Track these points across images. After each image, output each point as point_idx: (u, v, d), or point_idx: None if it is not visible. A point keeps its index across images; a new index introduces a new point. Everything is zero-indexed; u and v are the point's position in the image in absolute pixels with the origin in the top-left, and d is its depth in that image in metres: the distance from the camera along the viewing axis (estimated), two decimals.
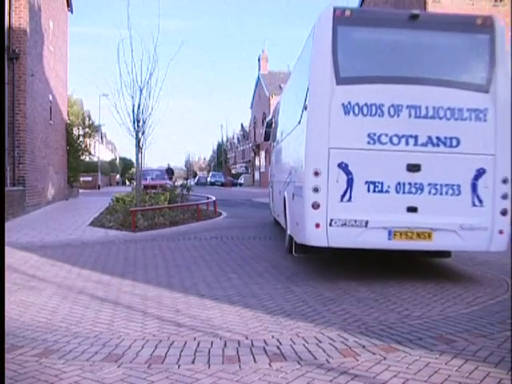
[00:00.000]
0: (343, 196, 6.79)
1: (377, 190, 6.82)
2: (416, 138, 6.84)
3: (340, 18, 7.04)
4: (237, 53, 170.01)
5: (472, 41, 7.38)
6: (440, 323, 4.92)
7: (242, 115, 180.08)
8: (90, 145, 33.93)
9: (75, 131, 27.24)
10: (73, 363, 3.89)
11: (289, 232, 8.73)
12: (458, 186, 6.85)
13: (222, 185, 57.25)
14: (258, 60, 55.11)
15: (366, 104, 6.85)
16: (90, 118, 33.58)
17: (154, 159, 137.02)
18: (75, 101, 33.12)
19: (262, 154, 53.77)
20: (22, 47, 15.34)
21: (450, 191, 6.86)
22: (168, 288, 6.48)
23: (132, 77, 14.45)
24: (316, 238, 6.82)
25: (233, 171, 76.89)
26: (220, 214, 17.28)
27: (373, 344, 4.31)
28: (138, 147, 14.82)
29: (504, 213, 6.82)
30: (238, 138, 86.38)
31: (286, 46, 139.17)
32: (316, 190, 6.78)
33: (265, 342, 4.36)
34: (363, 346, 4.26)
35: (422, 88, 6.94)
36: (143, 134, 14.73)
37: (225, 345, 4.29)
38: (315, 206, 6.77)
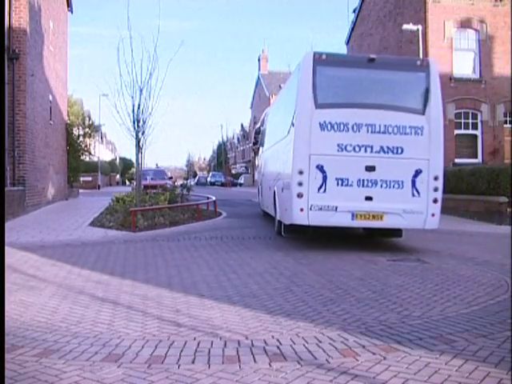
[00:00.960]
0: (319, 188, 9.42)
1: (343, 184, 9.44)
2: (372, 147, 9.45)
3: (318, 60, 9.70)
4: (237, 53, 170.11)
5: (413, 77, 10.14)
6: (440, 323, 4.92)
7: (241, 115, 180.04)
8: (89, 145, 33.87)
9: (75, 131, 27.23)
10: (73, 363, 3.89)
11: (278, 218, 11.49)
12: (402, 181, 9.47)
13: (222, 185, 57.28)
14: (258, 60, 55.15)
15: (336, 122, 9.49)
16: (89, 118, 33.57)
17: (154, 159, 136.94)
18: (75, 101, 33.12)
19: None
20: (22, 47, 15.34)
21: (396, 185, 9.48)
22: (168, 288, 6.48)
23: (132, 77, 14.48)
24: (300, 218, 9.49)
25: (233, 171, 76.92)
26: (220, 213, 17.29)
27: (373, 344, 4.31)
28: (138, 147, 14.82)
29: (435, 201, 9.57)
30: (238, 138, 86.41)
31: (286, 46, 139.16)
32: (300, 184, 9.41)
33: (265, 342, 4.36)
34: (363, 346, 4.26)
35: (377, 111, 9.59)
36: (143, 134, 14.74)
37: (225, 345, 4.29)
38: (300, 195, 9.42)
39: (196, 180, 65.63)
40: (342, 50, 30.76)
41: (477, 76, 20.08)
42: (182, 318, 5.12)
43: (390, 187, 9.50)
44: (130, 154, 65.72)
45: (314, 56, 9.73)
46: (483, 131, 19.97)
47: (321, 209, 9.41)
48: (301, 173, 9.43)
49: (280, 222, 11.20)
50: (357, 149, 9.47)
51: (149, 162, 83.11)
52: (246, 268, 7.84)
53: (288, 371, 3.73)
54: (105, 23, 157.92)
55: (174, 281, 6.94)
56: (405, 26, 19.64)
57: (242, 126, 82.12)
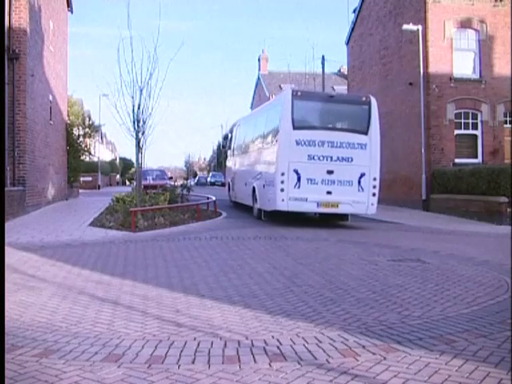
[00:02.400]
0: (295, 185, 13.40)
1: (312, 182, 13.42)
2: (331, 157, 13.55)
3: (295, 95, 13.78)
4: (237, 53, 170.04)
5: (359, 109, 14.16)
6: (440, 323, 4.92)
7: (242, 115, 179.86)
8: (90, 145, 33.85)
9: (75, 131, 27.20)
10: (73, 363, 3.89)
11: (258, 206, 15.55)
12: (352, 181, 13.58)
13: (222, 185, 57.11)
14: (258, 60, 55.10)
15: (307, 140, 13.48)
16: (90, 118, 33.52)
17: (154, 159, 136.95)
18: (75, 101, 33.09)
19: None
20: (22, 47, 15.33)
21: (348, 184, 13.56)
22: (168, 288, 6.48)
23: (132, 77, 14.50)
24: (282, 206, 13.57)
25: None
26: (220, 214, 17.29)
27: (373, 344, 4.31)
28: (138, 147, 14.82)
29: (374, 195, 13.75)
30: None
31: (286, 47, 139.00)
32: (282, 182, 13.41)
33: (265, 342, 4.36)
34: (363, 346, 4.26)
35: (335, 132, 13.96)
36: (143, 134, 14.75)
37: (225, 345, 4.29)
38: (282, 190, 13.41)
39: (196, 180, 65.56)
40: (342, 50, 30.79)
41: (477, 76, 20.07)
42: (182, 318, 5.12)
43: (343, 185, 13.62)
44: (130, 154, 65.69)
45: (292, 92, 14.01)
46: (483, 131, 19.96)
47: (296, 199, 13.51)
48: (283, 174, 13.50)
49: (260, 210, 15.47)
50: (321, 158, 13.60)
51: (149, 162, 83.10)
52: (246, 268, 7.84)
53: (288, 371, 3.73)
54: (105, 23, 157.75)
55: (174, 281, 6.94)
56: (405, 26, 19.64)
57: None
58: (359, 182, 13.62)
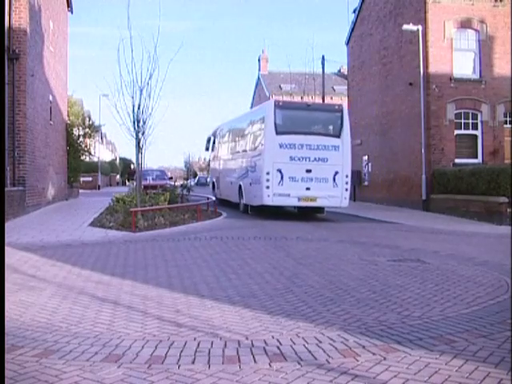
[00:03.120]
0: (279, 183, 15.48)
1: (293, 180, 15.46)
2: (309, 158, 15.61)
3: (277, 105, 16.05)
4: (237, 53, 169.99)
5: (333, 116, 16.44)
6: (440, 323, 4.92)
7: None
8: (90, 145, 33.83)
9: (75, 131, 27.20)
10: (73, 363, 3.89)
11: (244, 202, 17.87)
12: (327, 178, 15.65)
13: None
14: (258, 60, 55.05)
15: (288, 143, 15.58)
16: (90, 119, 33.50)
17: (154, 159, 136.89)
18: (75, 101, 33.07)
19: None
20: (22, 47, 15.32)
21: (324, 181, 15.62)
22: (168, 288, 6.48)
23: (132, 77, 14.49)
24: (268, 201, 15.65)
25: None
26: (220, 214, 17.29)
27: (373, 344, 4.31)
28: (138, 147, 14.82)
29: (346, 190, 15.90)
30: None
31: (285, 47, 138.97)
32: (267, 180, 15.48)
33: (265, 343, 4.36)
34: (363, 347, 4.26)
35: (312, 136, 15.84)
36: (143, 134, 14.74)
37: (225, 345, 4.29)
38: (267, 187, 15.48)
39: (196, 180, 65.53)
40: (343, 50, 30.78)
41: (477, 76, 20.06)
42: (182, 318, 5.12)
43: (320, 182, 15.75)
44: (130, 155, 65.61)
45: (274, 103, 16.47)
46: (483, 131, 19.95)
47: (280, 195, 15.66)
48: (268, 173, 15.67)
49: (246, 205, 17.75)
50: (301, 159, 15.71)
51: (149, 162, 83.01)
52: (246, 268, 7.84)
53: (288, 371, 3.73)
54: (105, 23, 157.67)
55: (174, 281, 6.94)
56: (405, 27, 19.64)
57: None
58: (334, 179, 15.86)
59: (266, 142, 15.99)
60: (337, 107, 17.06)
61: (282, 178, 15.57)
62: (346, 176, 15.97)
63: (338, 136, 16.13)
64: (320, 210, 17.44)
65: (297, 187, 15.58)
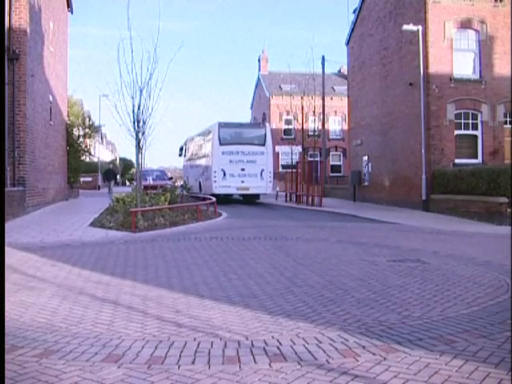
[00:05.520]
0: (222, 178, 23.68)
1: (232, 176, 23.72)
2: (243, 161, 23.91)
3: (220, 125, 24.44)
4: (237, 53, 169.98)
5: (259, 131, 25.29)
6: (440, 324, 4.92)
7: (242, 116, 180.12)
8: (90, 145, 33.86)
9: (75, 132, 27.22)
10: (73, 364, 3.89)
11: (203, 193, 24.79)
12: (256, 174, 23.95)
13: None
14: (258, 60, 54.98)
15: (228, 151, 23.80)
16: (90, 119, 33.54)
17: (154, 159, 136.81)
18: (75, 101, 33.10)
19: None
20: (22, 48, 15.33)
21: (254, 176, 23.95)
22: (168, 288, 6.48)
23: (132, 77, 14.51)
24: (216, 191, 23.61)
25: None
26: (220, 214, 17.30)
27: (373, 344, 4.31)
28: (138, 148, 14.82)
29: (270, 182, 24.57)
30: None
31: (285, 47, 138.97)
32: (215, 176, 23.70)
33: (265, 343, 4.36)
34: (363, 347, 4.26)
35: (245, 145, 24.18)
36: (143, 134, 14.73)
37: (225, 345, 4.29)
38: (215, 181, 23.73)
39: None
40: (343, 50, 30.74)
41: (477, 76, 20.05)
42: (182, 318, 5.12)
43: (251, 177, 23.72)
44: (130, 155, 65.63)
45: (218, 124, 24.28)
46: (483, 132, 19.94)
47: (223, 186, 23.63)
48: (215, 172, 23.55)
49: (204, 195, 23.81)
50: (237, 161, 23.63)
51: (149, 162, 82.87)
52: (246, 268, 7.84)
53: (288, 372, 3.73)
54: (105, 23, 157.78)
55: (174, 281, 6.94)
56: (405, 27, 19.62)
57: None
58: (261, 175, 24.07)
59: (213, 150, 24.05)
60: (261, 125, 27.49)
61: (224, 174, 23.67)
62: (270, 172, 24.43)
63: (263, 145, 24.40)
64: (256, 197, 25.89)
65: (235, 181, 23.75)
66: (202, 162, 26.47)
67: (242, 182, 23.61)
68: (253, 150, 23.94)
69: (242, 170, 23.58)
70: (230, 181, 23.48)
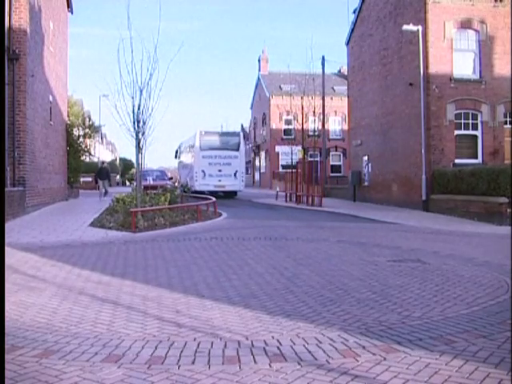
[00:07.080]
0: (203, 177, 29.49)
1: (211, 176, 29.41)
2: (220, 163, 29.57)
3: (201, 133, 30.23)
4: (237, 54, 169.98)
5: (234, 138, 31.15)
6: (440, 324, 4.92)
7: (242, 116, 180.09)
8: (90, 145, 33.85)
9: (75, 132, 27.22)
10: (73, 364, 3.89)
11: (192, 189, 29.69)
12: (231, 174, 29.70)
13: None
14: (258, 61, 55.02)
15: (208, 155, 29.48)
16: (90, 119, 33.54)
17: (154, 159, 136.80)
18: (75, 101, 33.11)
19: (263, 154, 53.69)
20: (22, 48, 15.33)
21: (229, 175, 29.63)
22: (168, 288, 6.48)
23: (132, 77, 14.53)
24: (198, 187, 29.10)
25: None
26: (220, 214, 17.30)
27: (373, 344, 4.31)
28: (138, 148, 14.82)
29: (242, 181, 30.55)
30: None
31: (285, 47, 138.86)
32: (197, 175, 29.60)
33: (265, 343, 4.36)
34: (363, 347, 4.26)
35: (222, 150, 29.87)
36: (143, 134, 14.73)
37: (225, 345, 4.29)
38: (196, 180, 29.66)
39: None
40: (343, 50, 30.73)
41: (477, 76, 20.04)
42: (182, 318, 5.12)
43: (227, 176, 29.34)
44: (130, 155, 65.58)
45: (200, 132, 29.94)
46: (483, 132, 19.93)
47: (203, 184, 29.06)
48: (196, 172, 29.42)
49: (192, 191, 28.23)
50: (215, 164, 29.26)
51: (149, 162, 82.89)
52: (246, 268, 7.84)
53: (288, 372, 3.73)
54: (105, 24, 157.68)
55: (174, 281, 6.94)
56: (405, 27, 19.62)
57: (242, 126, 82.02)
58: (235, 175, 29.47)
59: (195, 154, 29.80)
60: (236, 133, 32.94)
61: (204, 174, 29.12)
62: (242, 173, 30.35)
63: (237, 150, 29.86)
64: (234, 194, 30.89)
65: (213, 180, 29.10)
66: (188, 163, 33.03)
67: (219, 180, 29.15)
68: (228, 154, 29.45)
69: (219, 171, 29.17)
70: (208, 180, 29.08)
